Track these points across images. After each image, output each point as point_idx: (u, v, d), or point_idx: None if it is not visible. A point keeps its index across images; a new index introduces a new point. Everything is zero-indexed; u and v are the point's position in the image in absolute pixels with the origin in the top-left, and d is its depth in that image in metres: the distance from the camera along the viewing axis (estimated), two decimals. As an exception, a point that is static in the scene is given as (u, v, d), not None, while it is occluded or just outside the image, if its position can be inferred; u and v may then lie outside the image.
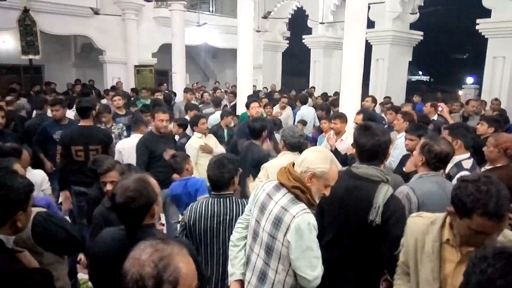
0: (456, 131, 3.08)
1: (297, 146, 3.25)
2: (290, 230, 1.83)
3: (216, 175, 2.44)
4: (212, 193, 2.54)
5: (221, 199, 2.47)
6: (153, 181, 1.84)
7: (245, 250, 2.17)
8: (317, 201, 1.95)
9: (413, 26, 11.04)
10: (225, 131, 5.67)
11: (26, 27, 9.83)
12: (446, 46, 26.41)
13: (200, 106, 8.07)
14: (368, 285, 2.22)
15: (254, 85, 12.43)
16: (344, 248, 2.18)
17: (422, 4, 10.81)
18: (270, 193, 2.00)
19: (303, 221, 1.82)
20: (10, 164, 2.14)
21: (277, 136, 5.24)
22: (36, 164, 4.33)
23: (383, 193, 2.05)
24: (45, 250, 2.02)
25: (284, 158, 3.28)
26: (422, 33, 11.13)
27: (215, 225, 2.42)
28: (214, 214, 2.42)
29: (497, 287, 0.94)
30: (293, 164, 2.00)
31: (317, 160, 1.90)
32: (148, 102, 7.97)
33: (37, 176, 3.49)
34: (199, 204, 2.49)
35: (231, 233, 2.33)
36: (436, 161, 2.39)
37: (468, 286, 1.01)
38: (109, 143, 4.25)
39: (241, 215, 2.36)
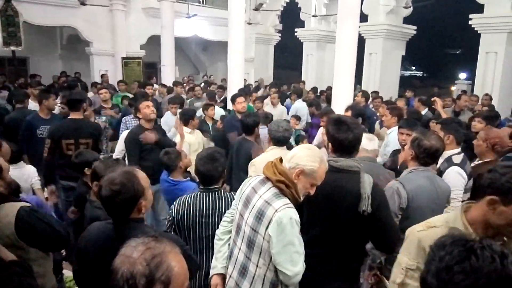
0: (449, 126, 3.10)
1: (282, 140, 3.26)
2: (271, 223, 1.83)
3: (208, 169, 2.42)
4: (201, 187, 2.51)
5: (210, 193, 2.45)
6: (141, 175, 1.81)
7: (229, 244, 2.17)
8: (302, 199, 1.95)
9: (406, 20, 10.95)
10: (210, 124, 5.54)
11: (8, 18, 9.50)
12: (440, 41, 26.41)
13: (190, 100, 7.89)
14: (354, 272, 2.28)
15: (244, 79, 12.24)
16: (335, 241, 2.17)
17: (415, -2, 10.71)
18: (255, 187, 2.00)
19: (285, 215, 1.82)
20: None
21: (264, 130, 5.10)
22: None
23: (368, 182, 2.09)
24: (29, 246, 1.99)
25: (272, 153, 3.28)
26: (415, 27, 11.05)
27: (204, 219, 2.41)
28: (203, 208, 2.41)
29: (455, 273, 0.96)
30: (281, 159, 2.00)
31: (307, 157, 1.89)
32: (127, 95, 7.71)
33: (28, 171, 3.64)
34: (187, 198, 2.46)
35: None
36: (425, 155, 2.44)
37: (428, 274, 1.03)
38: (99, 137, 4.23)
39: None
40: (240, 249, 2.02)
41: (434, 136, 2.55)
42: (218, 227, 2.32)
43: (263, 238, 1.88)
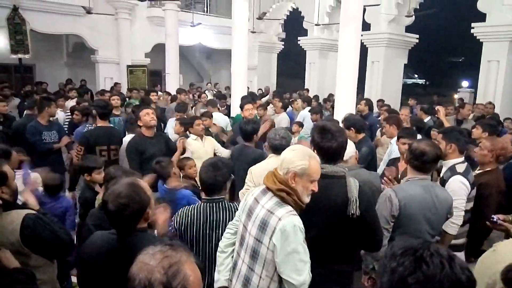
0: (450, 135, 3.06)
1: (279, 148, 3.19)
2: (275, 232, 1.82)
3: (210, 178, 2.38)
4: (204, 197, 2.46)
5: (213, 204, 2.40)
6: (144, 185, 1.82)
7: (232, 257, 2.14)
8: (308, 200, 1.93)
9: (408, 29, 11.02)
10: (213, 132, 5.53)
11: (16, 26, 9.67)
12: (442, 49, 26.52)
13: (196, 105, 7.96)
14: (347, 277, 2.30)
15: (247, 87, 12.33)
16: (326, 245, 2.19)
17: (418, 7, 10.79)
18: (257, 197, 2.01)
19: (288, 222, 1.81)
20: (0, 166, 2.07)
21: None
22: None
23: (354, 186, 2.13)
24: (34, 253, 1.99)
25: (270, 161, 3.27)
26: (417, 36, 11.11)
27: (207, 231, 2.36)
28: (206, 219, 2.36)
29: (409, 285, 0.94)
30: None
31: (295, 158, 1.89)
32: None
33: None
34: (190, 209, 2.41)
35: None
36: (415, 159, 2.47)
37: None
38: (122, 143, 4.44)
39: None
40: (243, 260, 2.00)
41: (429, 142, 2.57)
42: (218, 240, 2.29)
43: (267, 248, 1.86)
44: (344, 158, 2.86)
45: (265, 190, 2.00)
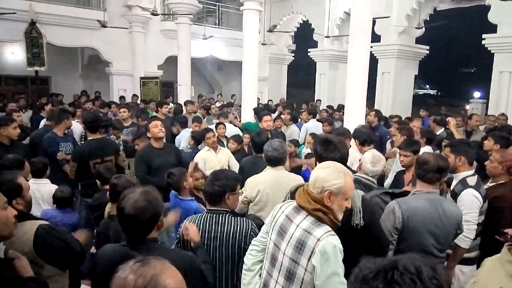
0: (458, 148, 3.03)
1: (273, 160, 3.11)
2: (315, 254, 1.74)
3: (209, 187, 2.39)
4: (207, 208, 2.47)
5: (215, 215, 2.38)
6: (157, 193, 1.88)
7: (260, 275, 2.06)
8: (341, 217, 1.87)
9: (419, 40, 11.04)
10: (224, 142, 5.63)
11: (33, 39, 9.95)
12: (454, 60, 26.38)
13: (207, 118, 8.05)
14: None
15: (258, 98, 12.42)
16: None
17: (428, 19, 10.81)
18: (290, 216, 1.91)
19: (328, 243, 1.73)
20: (15, 177, 2.14)
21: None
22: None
23: (357, 197, 2.11)
24: (46, 263, 2.01)
25: (265, 173, 3.18)
26: (428, 47, 11.13)
27: (208, 242, 2.32)
28: (207, 230, 2.33)
29: None
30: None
31: (330, 176, 1.82)
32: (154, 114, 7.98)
33: (46, 186, 3.69)
34: (193, 220, 2.42)
35: (225, 251, 2.28)
36: (418, 168, 2.50)
37: None
38: (119, 152, 4.43)
39: (237, 233, 2.28)
40: (276, 281, 1.91)
41: (436, 154, 2.59)
42: (224, 250, 2.26)
43: (305, 269, 1.79)
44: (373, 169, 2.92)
45: (298, 208, 1.90)
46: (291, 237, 1.85)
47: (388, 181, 4.05)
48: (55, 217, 3.36)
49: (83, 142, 5.60)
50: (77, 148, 4.44)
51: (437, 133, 5.80)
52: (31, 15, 9.85)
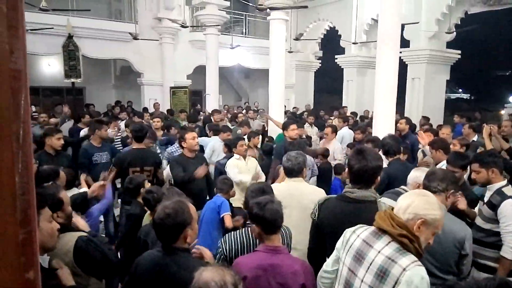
0: (486, 161, 2.96)
1: (291, 171, 3.08)
2: (400, 284, 1.63)
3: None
4: (249, 221, 2.48)
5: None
6: (191, 205, 1.99)
7: None
8: (424, 251, 1.75)
9: (450, 44, 10.79)
10: (256, 152, 5.69)
11: (70, 52, 10.42)
12: (487, 63, 25.50)
13: (233, 127, 8.18)
14: None
15: (284, 105, 12.48)
16: None
17: (459, 23, 10.57)
18: (368, 240, 1.81)
19: (415, 275, 1.61)
20: (57, 191, 2.22)
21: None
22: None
23: (390, 207, 2.05)
24: (84, 273, 2.11)
25: (280, 184, 3.21)
26: (459, 51, 10.85)
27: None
28: (253, 243, 2.37)
29: None
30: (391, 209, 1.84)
31: (427, 205, 1.71)
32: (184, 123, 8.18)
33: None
34: (237, 234, 2.46)
35: None
36: (424, 179, 2.45)
37: None
38: (159, 165, 4.55)
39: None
40: None
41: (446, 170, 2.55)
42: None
43: None
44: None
45: (377, 232, 1.80)
46: (371, 263, 1.75)
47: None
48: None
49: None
50: (119, 155, 4.64)
51: (474, 139, 5.63)
52: (68, 29, 10.33)
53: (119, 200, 5.81)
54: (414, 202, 1.73)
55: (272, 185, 3.14)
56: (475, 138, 5.76)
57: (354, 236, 1.88)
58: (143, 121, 8.37)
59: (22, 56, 0.62)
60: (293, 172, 3.07)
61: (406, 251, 1.68)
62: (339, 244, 1.96)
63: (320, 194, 2.93)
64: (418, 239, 1.68)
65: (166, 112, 10.37)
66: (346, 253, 1.88)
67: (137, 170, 4.25)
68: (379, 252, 1.73)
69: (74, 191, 3.86)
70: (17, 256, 0.63)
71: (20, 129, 0.62)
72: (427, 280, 1.65)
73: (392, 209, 1.82)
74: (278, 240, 2.18)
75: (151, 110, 10.89)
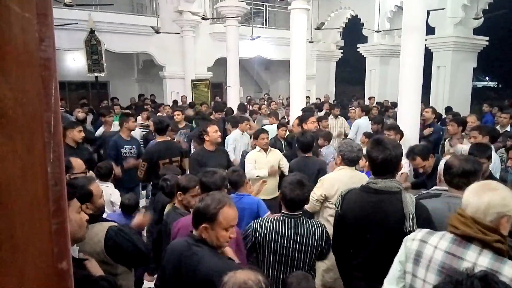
0: None
1: (355, 160, 3.24)
2: None
3: (299, 195, 2.43)
4: (284, 211, 2.52)
5: (291, 219, 2.47)
6: (217, 200, 1.97)
7: None
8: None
9: (477, 30, 10.41)
10: (283, 142, 5.63)
11: (92, 47, 10.58)
12: (516, 49, 24.47)
13: (257, 118, 8.15)
14: None
15: (308, 96, 12.34)
16: (383, 263, 1.97)
17: (487, 8, 10.17)
18: (455, 252, 1.59)
19: None
20: (87, 183, 2.24)
21: (329, 149, 5.14)
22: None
23: (410, 201, 2.08)
24: (115, 262, 2.15)
25: (341, 172, 3.28)
26: (487, 38, 10.47)
27: (285, 245, 2.43)
28: (284, 232, 2.43)
29: None
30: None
31: (504, 200, 1.53)
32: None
33: (108, 189, 3.83)
34: (267, 221, 2.50)
35: (301, 253, 2.40)
36: (444, 174, 2.39)
37: None
38: (184, 155, 4.70)
39: (313, 236, 2.39)
40: None
41: (465, 157, 2.44)
42: (300, 253, 2.37)
43: None
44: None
45: (461, 241, 1.59)
46: None
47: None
48: (119, 222, 3.55)
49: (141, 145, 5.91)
50: (148, 149, 4.73)
51: (507, 130, 5.43)
52: (90, 24, 10.48)
53: (143, 192, 5.92)
54: (492, 200, 1.54)
55: (335, 174, 3.30)
56: (508, 128, 5.57)
57: (431, 248, 1.65)
58: (164, 114, 8.46)
59: (52, 44, 0.61)
60: (356, 160, 3.31)
61: (502, 257, 1.52)
62: (401, 257, 1.76)
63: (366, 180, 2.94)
64: (506, 239, 1.53)
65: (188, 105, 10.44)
66: (424, 268, 1.66)
67: (166, 161, 4.36)
68: (475, 264, 1.52)
69: (108, 184, 3.91)
70: (50, 247, 0.63)
71: (52, 118, 0.61)
72: None
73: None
74: None
75: (179, 103, 11.00)
